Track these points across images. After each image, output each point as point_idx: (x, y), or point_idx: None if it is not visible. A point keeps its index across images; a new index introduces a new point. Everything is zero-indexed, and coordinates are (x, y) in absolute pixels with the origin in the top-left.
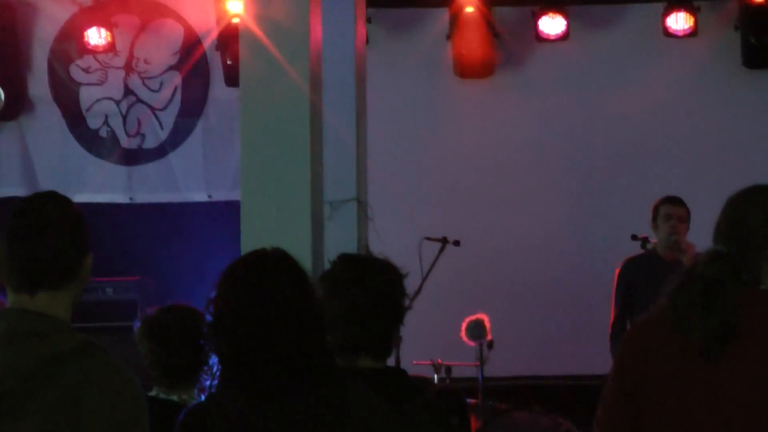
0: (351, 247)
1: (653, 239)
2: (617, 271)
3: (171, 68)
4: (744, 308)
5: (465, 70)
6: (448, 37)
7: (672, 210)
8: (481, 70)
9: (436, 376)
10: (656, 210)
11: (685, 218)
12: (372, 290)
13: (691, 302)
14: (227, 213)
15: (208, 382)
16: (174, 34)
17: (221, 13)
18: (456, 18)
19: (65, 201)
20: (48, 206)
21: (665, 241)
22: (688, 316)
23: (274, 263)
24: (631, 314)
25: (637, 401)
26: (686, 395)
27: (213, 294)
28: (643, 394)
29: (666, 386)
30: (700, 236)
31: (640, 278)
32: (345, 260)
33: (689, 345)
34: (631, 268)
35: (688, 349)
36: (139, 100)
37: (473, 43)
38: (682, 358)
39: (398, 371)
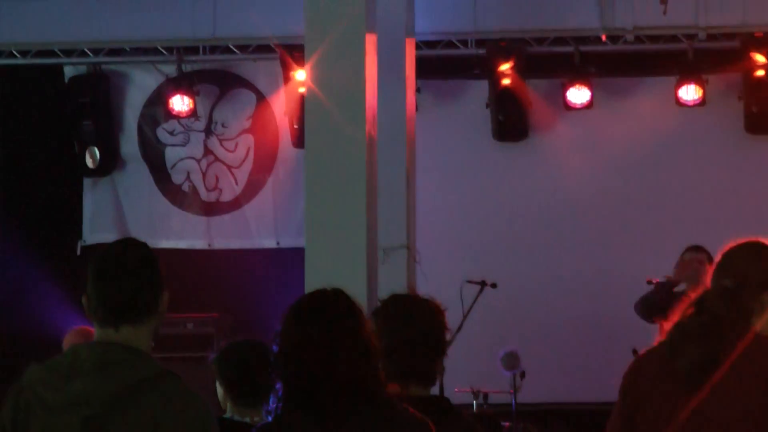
0: (401, 288)
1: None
2: None
3: (245, 131)
4: (733, 343)
5: (502, 134)
6: (488, 105)
7: (693, 255)
8: (516, 134)
9: (474, 401)
10: (682, 258)
11: (706, 262)
12: (418, 326)
13: (687, 333)
14: (293, 257)
15: (273, 405)
16: (248, 101)
17: (289, 84)
18: (495, 88)
19: (142, 245)
20: (127, 251)
21: (691, 280)
22: (680, 345)
23: (333, 300)
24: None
25: (635, 420)
26: (675, 415)
27: (279, 327)
28: (640, 413)
29: (658, 406)
30: None
31: None
32: (395, 299)
33: (678, 370)
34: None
35: (678, 374)
36: (217, 159)
37: (509, 111)
38: (673, 381)
39: (442, 398)
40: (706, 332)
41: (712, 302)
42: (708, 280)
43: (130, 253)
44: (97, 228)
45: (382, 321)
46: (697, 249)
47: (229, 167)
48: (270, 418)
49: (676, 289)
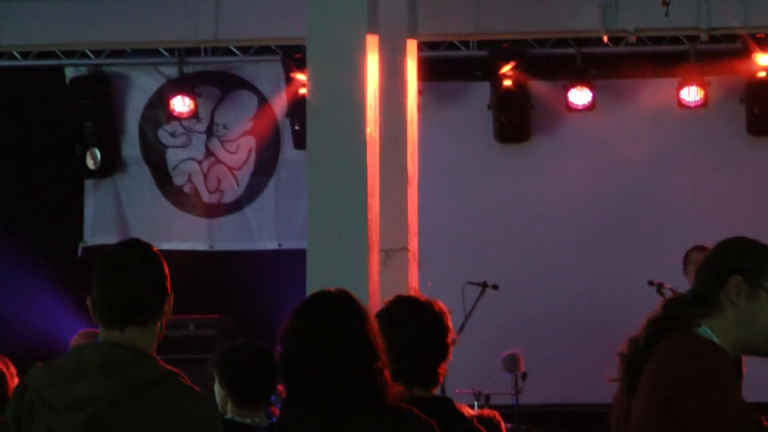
0: (403, 290)
1: (667, 285)
2: None
3: (246, 133)
4: (657, 351)
5: (504, 136)
6: (489, 107)
7: (698, 256)
8: (518, 136)
9: (476, 403)
10: (686, 258)
11: None
12: (422, 328)
13: (630, 343)
14: (295, 259)
15: (279, 405)
16: (250, 103)
17: (291, 85)
18: (496, 90)
19: (148, 247)
20: (134, 252)
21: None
22: (623, 356)
23: (337, 301)
24: None
25: None
26: (620, 425)
27: (284, 328)
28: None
29: (616, 417)
30: None
31: None
32: (399, 301)
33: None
34: None
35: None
36: (219, 161)
37: (511, 112)
38: (623, 392)
39: (444, 399)
40: (641, 339)
41: (655, 310)
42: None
43: (137, 255)
44: (98, 230)
45: (386, 323)
46: (702, 249)
47: (231, 169)
48: (274, 419)
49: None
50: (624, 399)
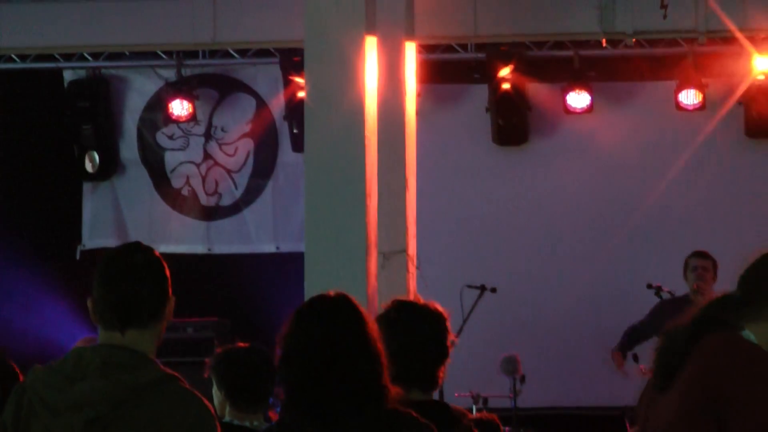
0: (401, 293)
1: (666, 288)
2: (656, 304)
3: (245, 135)
4: (691, 348)
5: (502, 138)
6: (487, 109)
7: (697, 262)
8: (516, 138)
9: (474, 406)
10: (686, 263)
11: (710, 269)
12: (422, 332)
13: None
14: (293, 262)
15: (278, 408)
16: (247, 105)
17: (289, 88)
18: (494, 93)
19: (150, 250)
20: (136, 255)
21: (692, 288)
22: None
23: (337, 304)
24: (645, 338)
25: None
26: (647, 422)
27: (284, 331)
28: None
29: (644, 413)
30: None
31: (668, 316)
32: (398, 304)
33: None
34: (665, 305)
35: (653, 381)
36: (217, 164)
37: (509, 115)
38: (652, 390)
39: (442, 404)
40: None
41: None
42: (708, 286)
43: (138, 258)
44: (97, 233)
45: (385, 326)
46: (702, 255)
47: (229, 171)
48: (273, 423)
49: (677, 295)
50: (653, 395)
